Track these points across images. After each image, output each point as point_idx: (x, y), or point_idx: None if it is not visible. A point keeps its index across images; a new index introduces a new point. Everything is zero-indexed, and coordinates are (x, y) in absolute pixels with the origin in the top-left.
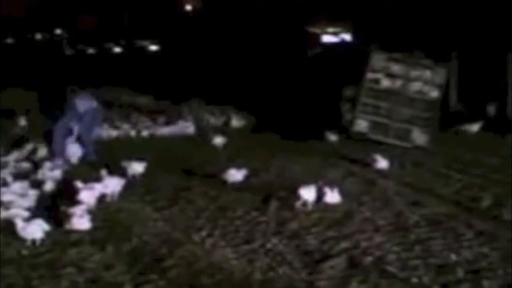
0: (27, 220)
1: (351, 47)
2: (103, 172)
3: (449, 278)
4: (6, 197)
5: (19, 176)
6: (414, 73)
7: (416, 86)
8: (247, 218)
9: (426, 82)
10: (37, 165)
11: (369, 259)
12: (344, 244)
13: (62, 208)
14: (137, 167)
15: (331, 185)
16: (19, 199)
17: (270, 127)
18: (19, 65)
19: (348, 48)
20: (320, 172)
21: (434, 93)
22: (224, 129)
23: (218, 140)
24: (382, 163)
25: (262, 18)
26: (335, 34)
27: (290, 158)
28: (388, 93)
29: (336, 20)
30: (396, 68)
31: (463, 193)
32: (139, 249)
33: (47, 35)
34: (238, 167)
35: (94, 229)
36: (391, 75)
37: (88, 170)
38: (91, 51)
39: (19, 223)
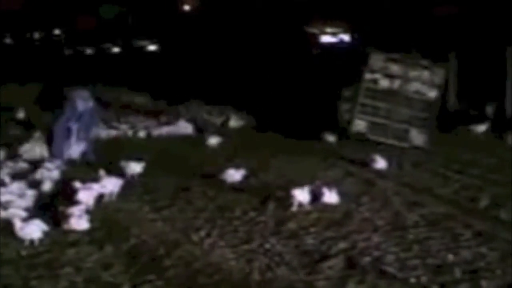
0: (26, 220)
1: (350, 47)
2: (102, 172)
3: (447, 278)
4: (4, 197)
5: (17, 176)
6: (413, 73)
7: (414, 86)
8: (245, 218)
9: (424, 82)
10: (35, 165)
11: (367, 259)
12: (342, 244)
13: (61, 208)
14: (135, 167)
15: (330, 185)
16: (18, 199)
17: (269, 128)
18: (18, 65)
19: (346, 49)
20: (319, 172)
21: (433, 94)
22: (222, 129)
23: (216, 140)
24: (380, 163)
25: (261, 19)
26: (333, 34)
27: (288, 158)
28: (387, 94)
29: (335, 20)
30: (394, 68)
31: (462, 193)
32: (137, 249)
33: (46, 35)
34: (237, 167)
35: (92, 229)
36: (389, 76)
37: (87, 170)
38: (89, 51)
39: (18, 223)
